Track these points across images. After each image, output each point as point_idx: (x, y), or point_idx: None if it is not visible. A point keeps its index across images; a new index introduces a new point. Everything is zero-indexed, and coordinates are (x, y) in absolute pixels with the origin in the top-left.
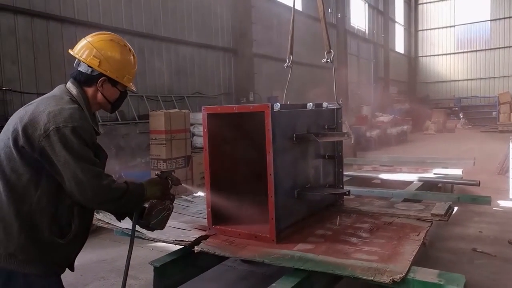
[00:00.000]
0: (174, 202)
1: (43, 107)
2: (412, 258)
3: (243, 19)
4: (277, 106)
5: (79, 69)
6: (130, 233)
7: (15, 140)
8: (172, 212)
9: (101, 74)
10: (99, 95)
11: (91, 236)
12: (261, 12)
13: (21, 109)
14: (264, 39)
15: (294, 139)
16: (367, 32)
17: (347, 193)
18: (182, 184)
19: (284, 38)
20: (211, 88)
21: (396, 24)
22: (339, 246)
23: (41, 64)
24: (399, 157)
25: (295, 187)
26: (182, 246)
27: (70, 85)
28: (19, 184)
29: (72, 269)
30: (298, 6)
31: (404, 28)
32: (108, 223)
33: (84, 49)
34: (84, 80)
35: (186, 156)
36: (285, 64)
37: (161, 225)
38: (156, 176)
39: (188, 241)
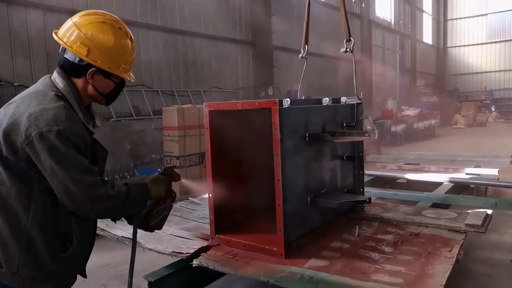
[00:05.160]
0: (181, 205)
1: (24, 108)
2: (444, 282)
3: (262, 10)
4: (286, 102)
5: (65, 56)
6: (126, 242)
7: None
8: (177, 217)
9: (90, 65)
10: (90, 87)
11: (97, 238)
12: (281, 3)
13: (1, 109)
14: (284, 31)
15: (307, 139)
16: (393, 22)
17: (367, 200)
18: (182, 180)
19: None
20: (229, 82)
21: (424, 14)
22: (357, 263)
23: (54, 59)
24: (427, 154)
25: (308, 193)
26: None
27: (56, 75)
28: (9, 198)
29: (84, 275)
30: None
31: (433, 18)
32: (104, 229)
33: (70, 33)
34: (71, 69)
35: (200, 153)
36: (300, 55)
37: (160, 225)
38: (159, 173)
39: (187, 253)
